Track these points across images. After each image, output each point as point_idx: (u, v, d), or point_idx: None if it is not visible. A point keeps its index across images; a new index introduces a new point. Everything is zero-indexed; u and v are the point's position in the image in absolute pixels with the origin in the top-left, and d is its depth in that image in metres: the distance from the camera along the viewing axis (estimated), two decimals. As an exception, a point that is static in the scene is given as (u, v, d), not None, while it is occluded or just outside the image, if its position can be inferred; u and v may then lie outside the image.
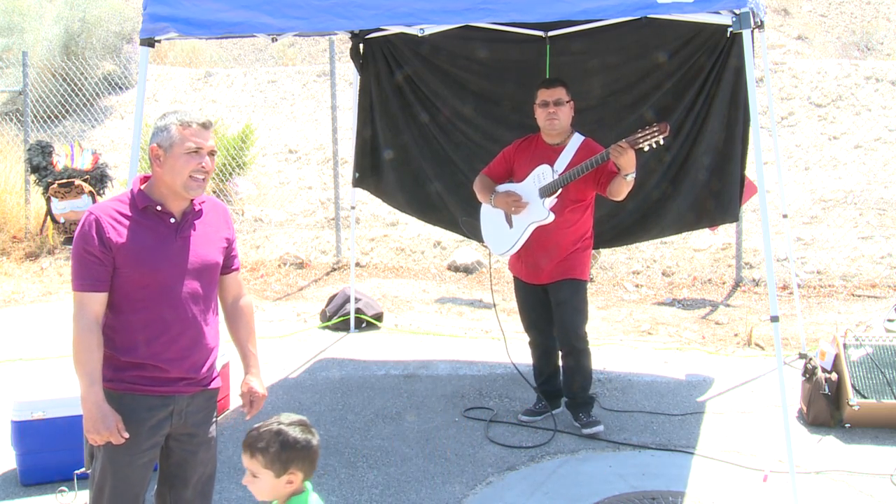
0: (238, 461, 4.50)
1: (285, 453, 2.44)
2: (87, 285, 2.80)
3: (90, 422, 2.77)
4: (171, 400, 2.89)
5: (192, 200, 2.96)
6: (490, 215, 4.99)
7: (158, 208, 2.89)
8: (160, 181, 2.90)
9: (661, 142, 4.32)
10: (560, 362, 5.01)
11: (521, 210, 4.74)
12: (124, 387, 2.86)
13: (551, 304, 4.89)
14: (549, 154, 4.76)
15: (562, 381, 5.01)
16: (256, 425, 2.51)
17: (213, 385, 3.05)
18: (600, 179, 4.64)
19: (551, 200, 4.69)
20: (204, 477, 3.07)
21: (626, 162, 4.36)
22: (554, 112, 4.71)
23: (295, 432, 2.48)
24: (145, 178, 2.97)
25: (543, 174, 4.71)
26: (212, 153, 2.92)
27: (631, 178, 4.46)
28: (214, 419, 3.10)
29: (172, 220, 2.91)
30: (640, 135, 4.31)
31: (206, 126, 2.91)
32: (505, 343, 5.37)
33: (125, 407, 2.84)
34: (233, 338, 3.17)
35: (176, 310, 2.88)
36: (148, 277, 2.84)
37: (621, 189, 4.55)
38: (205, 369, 2.99)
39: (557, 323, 4.88)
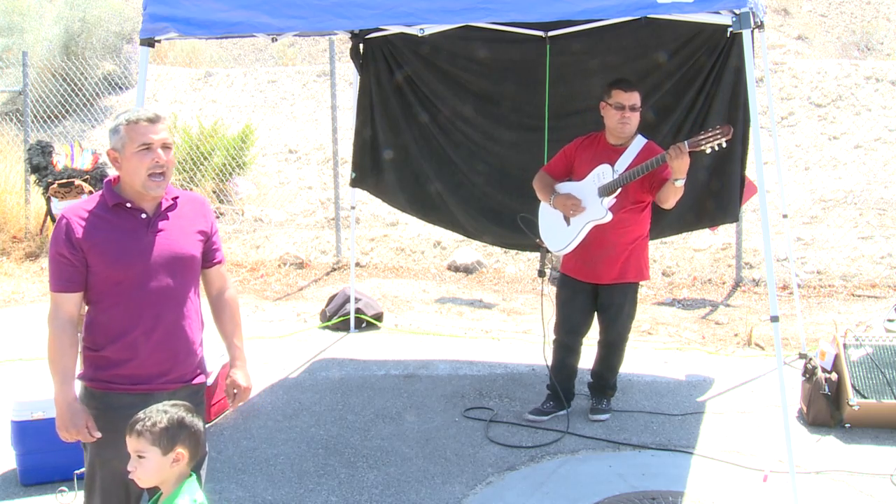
0: (238, 461, 4.50)
1: (172, 428, 2.51)
2: (60, 286, 2.84)
3: (60, 419, 2.82)
4: (150, 397, 2.84)
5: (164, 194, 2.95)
6: (548, 212, 4.99)
7: (129, 205, 2.89)
8: (125, 183, 2.92)
9: (724, 144, 4.29)
10: (577, 363, 5.10)
11: (579, 213, 4.76)
12: (103, 386, 2.88)
13: (598, 305, 4.93)
14: (611, 154, 4.77)
15: (594, 366, 5.09)
16: (142, 411, 2.56)
17: (196, 380, 3.03)
18: (653, 184, 4.66)
19: (610, 200, 4.69)
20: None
21: (680, 165, 4.35)
22: (629, 117, 4.72)
23: (181, 412, 2.56)
24: (117, 179, 2.97)
25: (603, 173, 4.71)
26: (165, 146, 2.89)
27: (680, 184, 4.45)
28: (204, 415, 3.08)
29: (144, 216, 2.90)
30: (701, 136, 4.29)
31: (153, 120, 2.87)
32: (544, 345, 5.23)
33: (105, 405, 2.86)
34: (219, 332, 3.16)
35: (151, 304, 2.88)
36: (120, 273, 2.84)
37: (669, 196, 4.56)
38: (185, 364, 2.97)
39: (606, 323, 4.95)
